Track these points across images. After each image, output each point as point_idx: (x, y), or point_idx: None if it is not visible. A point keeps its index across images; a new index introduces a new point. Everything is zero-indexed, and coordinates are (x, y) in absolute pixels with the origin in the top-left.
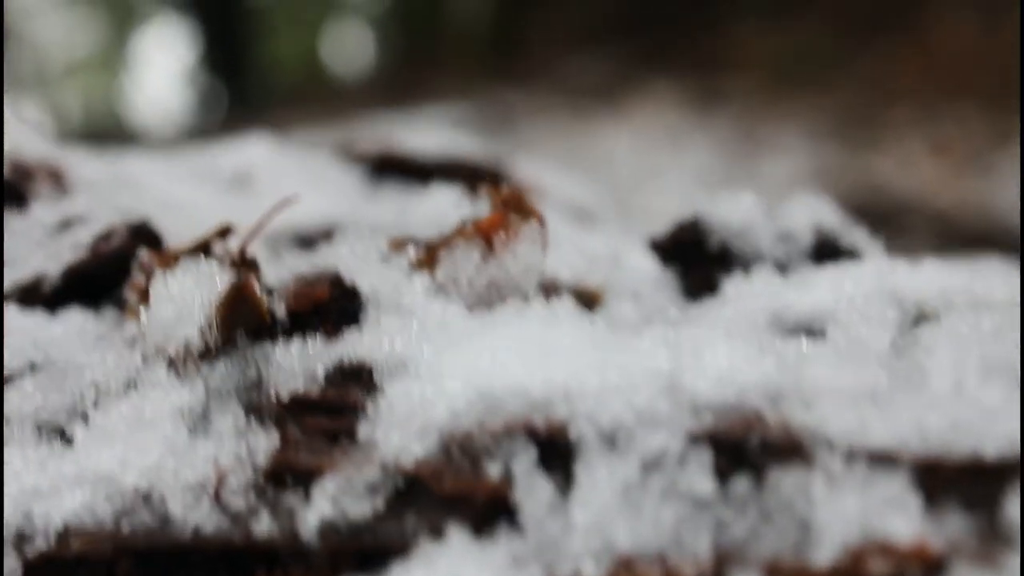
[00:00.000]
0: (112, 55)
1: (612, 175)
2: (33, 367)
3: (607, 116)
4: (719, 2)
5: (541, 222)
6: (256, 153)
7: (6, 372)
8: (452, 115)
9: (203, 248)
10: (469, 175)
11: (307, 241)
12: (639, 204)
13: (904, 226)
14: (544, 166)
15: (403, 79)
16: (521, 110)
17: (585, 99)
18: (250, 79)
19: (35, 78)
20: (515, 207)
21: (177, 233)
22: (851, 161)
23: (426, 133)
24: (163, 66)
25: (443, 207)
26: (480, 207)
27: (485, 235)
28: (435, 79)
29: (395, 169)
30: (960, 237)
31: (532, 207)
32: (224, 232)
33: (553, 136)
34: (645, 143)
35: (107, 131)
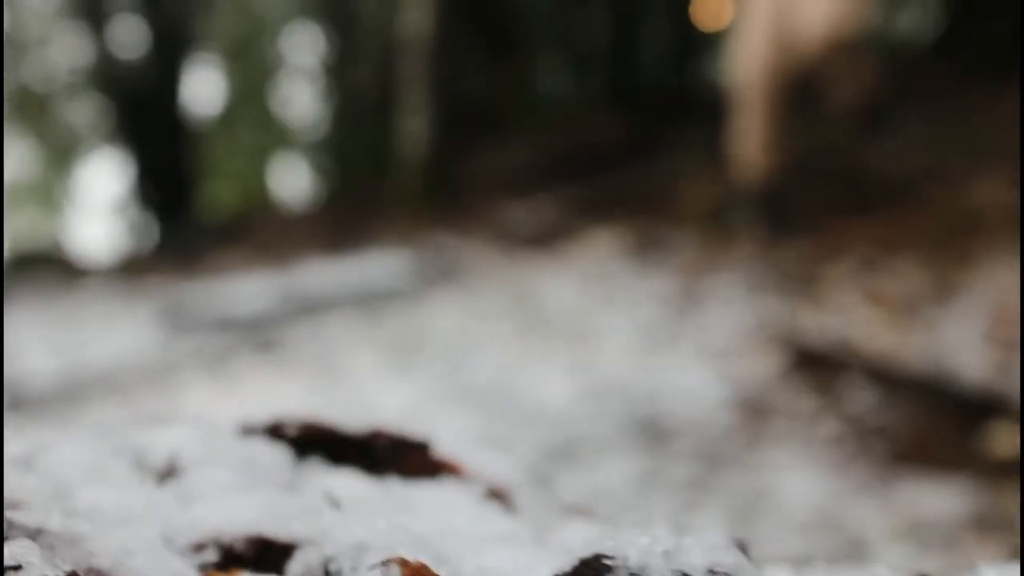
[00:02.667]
0: (53, 185)
1: (555, 324)
2: None
3: (548, 264)
4: (659, 153)
5: None
6: (181, 438)
7: None
8: (395, 261)
9: None
10: (392, 448)
11: (239, 560)
12: (582, 356)
13: (841, 368)
14: (465, 442)
15: (343, 217)
16: (463, 256)
17: (526, 247)
18: (185, 214)
19: None
20: None
21: (110, 553)
22: (791, 312)
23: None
24: (101, 197)
25: (367, 525)
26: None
27: None
28: (375, 221)
29: (321, 443)
30: (898, 383)
31: None
32: None
33: (495, 283)
34: (587, 292)
35: (47, 259)
